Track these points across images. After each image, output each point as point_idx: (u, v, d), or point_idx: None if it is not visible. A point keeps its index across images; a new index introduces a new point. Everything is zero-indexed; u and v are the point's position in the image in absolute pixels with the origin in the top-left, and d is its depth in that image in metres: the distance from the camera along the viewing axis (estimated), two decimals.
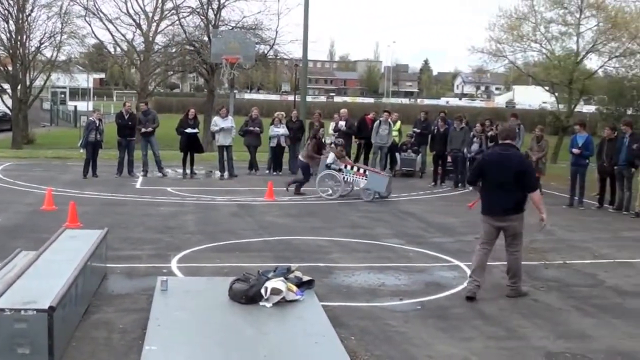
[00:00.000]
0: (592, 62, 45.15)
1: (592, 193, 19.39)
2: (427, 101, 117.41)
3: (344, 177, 19.25)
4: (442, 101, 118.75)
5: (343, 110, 24.86)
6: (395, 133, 24.91)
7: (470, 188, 18.98)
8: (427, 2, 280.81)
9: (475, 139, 21.54)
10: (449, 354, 7.55)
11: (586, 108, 56.00)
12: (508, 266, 10.13)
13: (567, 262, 12.19)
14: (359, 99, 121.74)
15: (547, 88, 45.43)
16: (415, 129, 25.19)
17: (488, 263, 11.16)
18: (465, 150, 21.48)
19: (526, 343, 8.08)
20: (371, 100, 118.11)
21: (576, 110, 45.13)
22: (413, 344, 7.81)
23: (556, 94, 44.34)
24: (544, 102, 57.21)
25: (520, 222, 9.97)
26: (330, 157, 19.39)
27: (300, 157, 20.78)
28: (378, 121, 24.42)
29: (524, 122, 25.38)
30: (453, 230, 15.01)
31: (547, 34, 41.67)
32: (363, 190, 19.04)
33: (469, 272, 10.73)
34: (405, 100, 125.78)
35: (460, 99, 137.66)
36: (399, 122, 25.66)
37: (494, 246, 10.14)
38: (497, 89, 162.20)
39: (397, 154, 24.69)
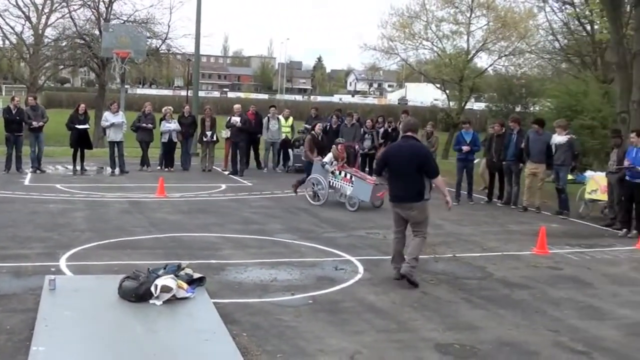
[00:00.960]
0: (483, 61, 46.45)
1: (479, 187, 19.90)
2: (320, 98, 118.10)
3: (330, 182, 17.79)
4: (336, 98, 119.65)
5: (236, 106, 24.70)
6: (287, 129, 24.96)
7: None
8: (321, 0, 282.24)
9: (367, 135, 21.77)
10: (340, 348, 7.58)
11: (476, 105, 57.40)
12: (410, 244, 10.51)
13: (457, 255, 12.43)
14: (253, 95, 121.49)
15: (438, 85, 46.44)
16: (306, 125, 25.29)
17: (379, 257, 11.38)
18: (357, 146, 21.66)
19: (416, 335, 8.18)
20: (265, 96, 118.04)
21: (467, 107, 46.26)
22: (304, 339, 7.82)
23: (447, 92, 45.36)
24: (435, 100, 58.35)
25: (421, 211, 10.42)
26: (328, 156, 18.06)
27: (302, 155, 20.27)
28: (267, 117, 24.39)
29: (416, 118, 25.74)
30: (345, 225, 15.10)
31: (439, 32, 42.63)
32: (348, 198, 17.33)
33: (360, 266, 10.99)
34: (299, 97, 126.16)
35: (353, 96, 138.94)
36: (291, 118, 25.74)
37: (405, 232, 10.65)
38: (389, 86, 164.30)
39: (290, 150, 24.71)
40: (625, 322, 9.17)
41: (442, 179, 10.58)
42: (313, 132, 19.92)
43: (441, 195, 10.64)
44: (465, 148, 19.02)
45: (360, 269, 11.12)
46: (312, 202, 17.80)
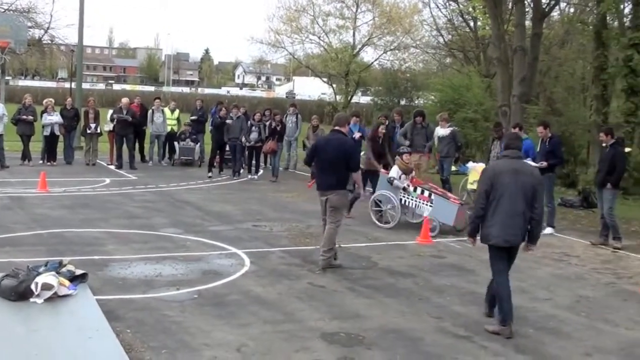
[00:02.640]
0: (368, 55, 47.06)
1: None
2: (207, 90, 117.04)
3: (403, 200, 14.98)
4: (223, 90, 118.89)
5: (124, 100, 24.13)
6: (173, 122, 24.67)
7: (255, 176, 19.93)
8: None
9: (254, 128, 21.73)
10: (226, 341, 7.56)
11: (363, 99, 58.02)
12: (324, 236, 11.13)
13: (343, 245, 12.50)
14: (139, 87, 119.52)
15: (325, 79, 46.71)
16: (192, 117, 25.07)
17: (266, 249, 11.41)
18: (243, 139, 21.58)
19: (302, 325, 8.24)
20: (151, 88, 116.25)
21: (353, 100, 46.72)
22: (190, 333, 7.75)
23: (334, 85, 45.72)
24: (322, 93, 58.77)
25: (340, 197, 11.21)
26: (394, 170, 15.17)
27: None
28: (151, 110, 24.04)
29: (303, 112, 25.97)
30: (231, 218, 15.04)
31: (325, 26, 42.90)
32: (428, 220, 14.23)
33: (246, 259, 11.11)
34: (186, 89, 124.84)
35: (241, 88, 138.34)
36: (177, 111, 25.43)
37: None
38: (277, 79, 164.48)
39: (175, 143, 24.44)
40: None
41: (359, 174, 11.67)
42: (376, 135, 16.27)
43: (357, 186, 11.89)
44: (357, 135, 18.98)
45: (247, 261, 11.11)
46: (378, 223, 14.95)
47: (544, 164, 14.93)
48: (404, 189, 14.81)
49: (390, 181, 14.91)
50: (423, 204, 14.64)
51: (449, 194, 15.24)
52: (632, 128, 21.64)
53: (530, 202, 8.36)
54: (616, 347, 8.17)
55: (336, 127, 11.37)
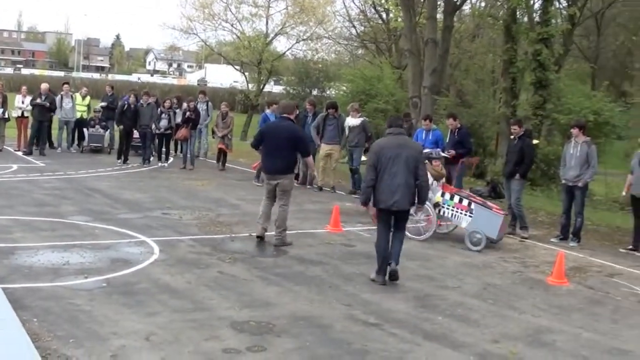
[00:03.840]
0: (281, 44, 47.10)
1: None
2: (118, 77, 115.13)
3: (439, 210, 13.58)
4: (134, 77, 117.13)
5: (44, 85, 23.42)
6: (83, 108, 24.18)
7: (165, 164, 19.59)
8: None
9: (163, 115, 21.51)
10: (135, 330, 7.48)
11: (275, 88, 57.99)
12: (277, 217, 12.01)
13: (253, 234, 12.50)
14: (48, 72, 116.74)
15: (237, 67, 46.54)
16: (102, 104, 24.65)
17: (175, 237, 11.35)
18: (153, 126, 21.34)
19: (212, 314, 8.20)
20: (61, 73, 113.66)
21: (265, 90, 46.68)
22: (98, 322, 7.64)
23: (246, 74, 45.57)
24: (235, 81, 58.42)
25: (289, 181, 12.13)
26: None
27: None
28: (60, 95, 23.49)
29: (215, 100, 25.82)
30: (140, 206, 14.85)
31: (238, 14, 42.66)
32: (469, 233, 13.08)
33: (155, 247, 11.09)
34: (96, 75, 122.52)
35: (152, 75, 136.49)
36: (88, 97, 24.93)
37: (274, 200, 12.15)
38: (189, 66, 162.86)
39: (85, 130, 23.97)
40: (414, 295, 9.65)
41: (311, 157, 12.37)
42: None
43: (310, 171, 12.29)
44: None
45: (156, 249, 11.00)
46: (410, 235, 12.83)
47: (452, 152, 15.23)
48: (436, 204, 13.39)
49: None
50: (461, 213, 13.28)
51: (490, 203, 13.84)
52: (540, 121, 22.22)
53: (413, 171, 9.91)
54: (523, 333, 8.40)
55: (285, 114, 12.23)
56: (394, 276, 10.11)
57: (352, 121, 18.36)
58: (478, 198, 14.00)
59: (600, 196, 20.13)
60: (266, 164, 12.27)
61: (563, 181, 14.51)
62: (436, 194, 13.35)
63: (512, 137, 15.15)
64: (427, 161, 13.26)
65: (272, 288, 9.46)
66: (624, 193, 15.17)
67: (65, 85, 24.28)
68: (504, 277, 11.12)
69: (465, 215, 13.17)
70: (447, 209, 13.41)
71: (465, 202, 13.27)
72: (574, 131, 14.27)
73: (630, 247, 14.05)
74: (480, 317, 8.92)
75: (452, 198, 13.40)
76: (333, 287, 9.71)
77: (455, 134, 16.00)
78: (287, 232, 12.22)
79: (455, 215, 13.35)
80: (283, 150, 11.87)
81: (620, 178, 16.06)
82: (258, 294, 9.16)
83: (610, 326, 9.03)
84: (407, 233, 12.30)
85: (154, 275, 9.67)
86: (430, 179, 12.91)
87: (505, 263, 12.07)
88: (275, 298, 9.01)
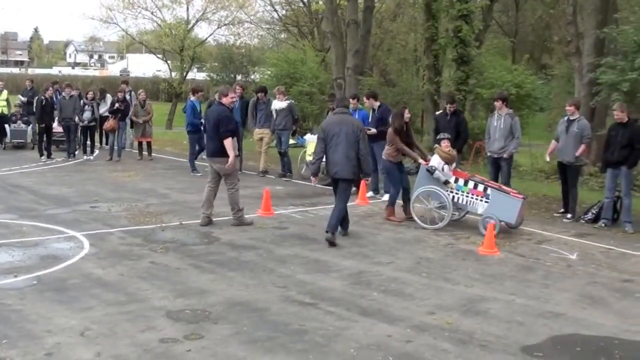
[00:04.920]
0: (203, 30, 46.85)
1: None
2: (38, 70, 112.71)
3: (453, 196, 12.93)
4: (55, 70, 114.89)
5: None
6: (2, 104, 23.63)
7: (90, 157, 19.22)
8: None
9: (87, 107, 21.16)
10: (69, 326, 7.35)
11: (199, 75, 57.53)
12: (229, 201, 12.51)
13: (183, 222, 12.43)
14: None
15: (160, 56, 46.07)
16: (22, 99, 24.12)
17: (105, 230, 11.20)
18: (77, 118, 20.96)
19: (147, 305, 8.11)
20: None
21: (189, 77, 46.31)
22: (30, 321, 7.49)
23: (169, 62, 45.13)
24: (158, 70, 57.75)
25: (227, 165, 12.23)
26: (434, 159, 13.00)
27: (383, 155, 13.93)
28: None
29: (136, 90, 25.49)
30: (68, 200, 14.60)
31: (158, 2, 42.19)
32: (483, 219, 12.44)
33: (85, 241, 10.91)
34: (15, 70, 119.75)
35: (73, 67, 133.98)
36: (5, 92, 24.33)
37: (218, 184, 12.55)
38: (111, 57, 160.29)
39: (6, 126, 23.43)
40: (348, 273, 9.69)
41: (230, 140, 12.11)
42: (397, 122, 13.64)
43: (230, 153, 12.07)
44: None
45: (86, 244, 10.82)
46: (424, 225, 12.86)
47: (373, 130, 15.40)
48: (446, 182, 12.80)
49: (432, 171, 12.81)
50: (477, 199, 12.70)
51: (506, 188, 13.22)
52: (464, 96, 22.47)
53: (353, 145, 11.27)
54: (457, 303, 8.51)
55: (221, 100, 12.64)
56: (331, 244, 11.16)
57: (278, 104, 18.32)
58: (495, 183, 13.46)
59: (526, 167, 20.46)
60: (206, 146, 13.43)
61: (488, 153, 14.81)
62: (445, 178, 12.80)
63: (446, 113, 15.75)
64: (436, 144, 13.60)
65: (206, 275, 9.40)
66: (547, 159, 15.50)
67: None
68: (436, 251, 11.26)
69: (481, 201, 12.63)
70: (462, 195, 12.84)
71: (480, 187, 12.68)
72: (497, 104, 14.60)
73: (562, 210, 14.41)
74: (415, 290, 9.01)
75: (466, 184, 12.82)
76: (267, 270, 9.70)
77: (376, 112, 16.14)
78: (218, 218, 12.18)
79: (470, 201, 12.76)
80: (211, 133, 12.56)
81: (544, 148, 16.36)
82: (192, 282, 9.09)
83: (542, 291, 9.21)
84: (420, 222, 12.92)
85: (85, 269, 9.52)
86: (441, 162, 12.86)
87: (437, 237, 12.20)
88: (210, 285, 8.96)
